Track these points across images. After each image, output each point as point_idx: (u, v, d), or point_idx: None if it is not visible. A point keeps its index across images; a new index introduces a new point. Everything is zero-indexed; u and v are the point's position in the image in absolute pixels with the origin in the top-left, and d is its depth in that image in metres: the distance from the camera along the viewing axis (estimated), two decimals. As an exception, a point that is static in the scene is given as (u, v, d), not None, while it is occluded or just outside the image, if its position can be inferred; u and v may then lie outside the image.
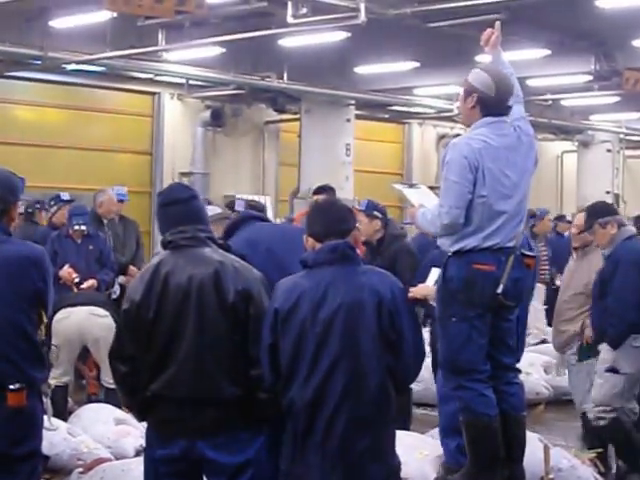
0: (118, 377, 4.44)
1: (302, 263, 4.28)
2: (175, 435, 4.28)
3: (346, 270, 4.22)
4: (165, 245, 4.42)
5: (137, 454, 6.74)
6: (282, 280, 4.26)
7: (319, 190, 9.15)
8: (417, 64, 16.73)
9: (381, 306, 4.16)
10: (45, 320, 4.82)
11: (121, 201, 10.93)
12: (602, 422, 6.95)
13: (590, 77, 17.05)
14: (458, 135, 5.65)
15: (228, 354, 4.24)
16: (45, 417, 5.05)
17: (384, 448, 4.25)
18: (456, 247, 5.29)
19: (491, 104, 5.36)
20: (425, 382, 8.23)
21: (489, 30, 5.76)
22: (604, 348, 7.07)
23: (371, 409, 4.16)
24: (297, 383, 4.15)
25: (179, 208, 4.41)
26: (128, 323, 4.36)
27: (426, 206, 5.52)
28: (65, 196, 10.87)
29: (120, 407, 7.16)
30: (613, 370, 6.99)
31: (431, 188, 21.41)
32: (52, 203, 10.88)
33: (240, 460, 4.26)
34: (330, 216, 4.34)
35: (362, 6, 11.82)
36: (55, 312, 8.12)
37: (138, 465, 5.24)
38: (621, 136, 24.23)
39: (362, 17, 11.79)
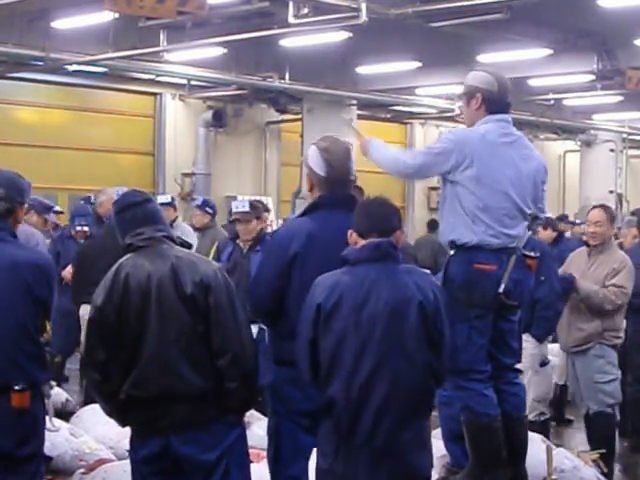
0: (93, 385, 4.45)
1: (343, 259, 4.27)
2: (150, 434, 4.32)
3: (389, 268, 4.20)
4: (125, 249, 4.46)
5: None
6: (322, 276, 4.23)
7: None
8: (419, 64, 16.74)
9: (425, 305, 4.14)
10: (48, 329, 4.82)
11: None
12: (544, 417, 7.06)
13: (593, 76, 17.04)
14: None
15: (193, 347, 4.27)
16: (47, 418, 5.04)
17: (427, 437, 4.26)
18: (453, 237, 5.24)
19: (495, 100, 5.36)
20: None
21: None
22: (530, 342, 7.09)
23: (415, 406, 4.15)
24: (338, 381, 4.12)
25: (134, 211, 4.46)
26: (95, 329, 4.38)
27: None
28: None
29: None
30: (544, 363, 7.10)
31: (433, 189, 21.36)
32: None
33: (215, 455, 4.29)
34: (376, 213, 4.33)
35: (363, 6, 11.82)
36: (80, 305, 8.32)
37: (139, 466, 5.25)
38: (624, 135, 24.22)
39: (363, 17, 11.79)
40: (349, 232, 4.35)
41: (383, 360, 4.10)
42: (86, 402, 8.57)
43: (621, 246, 8.84)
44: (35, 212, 8.85)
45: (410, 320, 4.12)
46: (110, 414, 4.57)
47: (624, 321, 7.68)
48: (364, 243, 4.25)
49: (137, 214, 4.45)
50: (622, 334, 7.56)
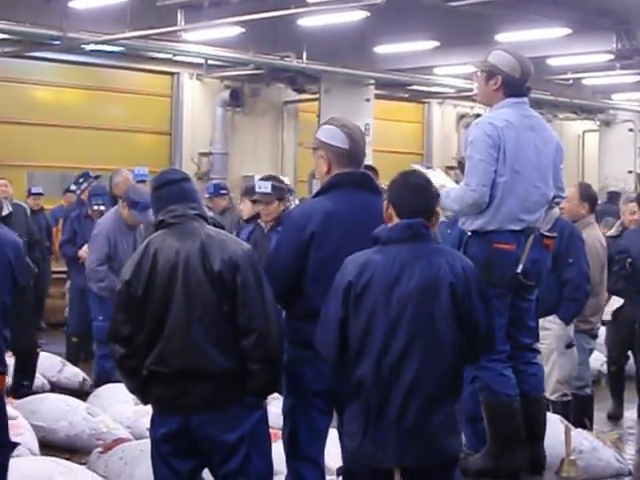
0: (117, 359, 4.46)
1: (374, 239, 4.24)
2: (170, 412, 4.33)
3: (420, 248, 4.16)
4: (157, 225, 4.49)
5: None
6: (353, 255, 4.21)
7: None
8: (437, 43, 16.65)
9: (455, 285, 4.10)
10: None
11: (143, 181, 10.84)
12: (566, 398, 7.04)
13: (612, 56, 16.92)
14: (478, 115, 5.64)
15: (218, 325, 4.27)
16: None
17: (456, 419, 4.23)
18: (476, 226, 5.25)
19: (515, 85, 5.35)
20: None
21: None
22: (556, 324, 7.04)
23: (445, 387, 4.13)
24: (368, 361, 4.10)
25: (170, 189, 4.49)
26: (121, 303, 4.40)
27: (447, 186, 5.50)
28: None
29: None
30: (570, 345, 7.09)
31: (451, 168, 21.30)
32: (81, 180, 10.96)
33: (235, 437, 4.27)
34: (416, 193, 4.26)
35: (381, -15, 11.77)
36: None
37: (157, 445, 5.24)
38: (643, 115, 24.08)
39: (381, -4, 11.74)
40: (385, 204, 4.29)
41: (413, 340, 4.06)
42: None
43: (623, 225, 8.80)
44: (126, 206, 8.64)
45: (441, 300, 4.09)
46: (132, 391, 4.58)
47: (597, 306, 7.58)
48: (396, 222, 4.21)
49: (172, 191, 4.47)
50: (595, 319, 7.51)
